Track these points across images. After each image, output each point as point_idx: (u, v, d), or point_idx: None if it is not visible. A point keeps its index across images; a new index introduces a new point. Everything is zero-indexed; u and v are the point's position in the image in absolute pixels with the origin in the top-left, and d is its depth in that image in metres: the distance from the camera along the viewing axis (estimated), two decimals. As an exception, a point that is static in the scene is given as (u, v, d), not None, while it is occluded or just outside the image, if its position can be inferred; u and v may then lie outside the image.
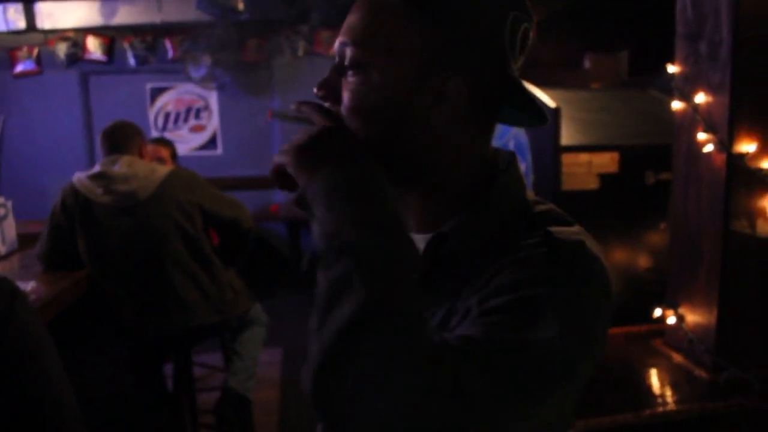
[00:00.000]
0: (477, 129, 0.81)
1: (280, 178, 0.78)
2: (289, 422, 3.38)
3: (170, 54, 5.91)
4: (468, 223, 0.79)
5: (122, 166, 2.61)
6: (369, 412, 0.57)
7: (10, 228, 3.03)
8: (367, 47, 0.75)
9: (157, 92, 6.10)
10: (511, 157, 0.85)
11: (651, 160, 2.25)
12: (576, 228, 0.77)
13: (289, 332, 4.43)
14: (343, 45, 0.77)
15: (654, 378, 1.87)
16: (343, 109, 0.77)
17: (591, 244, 0.74)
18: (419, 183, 0.82)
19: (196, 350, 3.00)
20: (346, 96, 0.77)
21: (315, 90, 0.81)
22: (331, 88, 0.79)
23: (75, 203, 2.61)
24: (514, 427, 0.63)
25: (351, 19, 0.77)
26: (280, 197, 6.17)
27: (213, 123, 6.15)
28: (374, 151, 0.76)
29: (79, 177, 2.65)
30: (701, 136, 1.82)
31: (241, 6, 5.26)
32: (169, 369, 3.01)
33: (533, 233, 0.74)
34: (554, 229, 0.74)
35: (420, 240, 0.83)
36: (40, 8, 5.23)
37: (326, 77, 0.80)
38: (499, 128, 2.56)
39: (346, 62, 0.76)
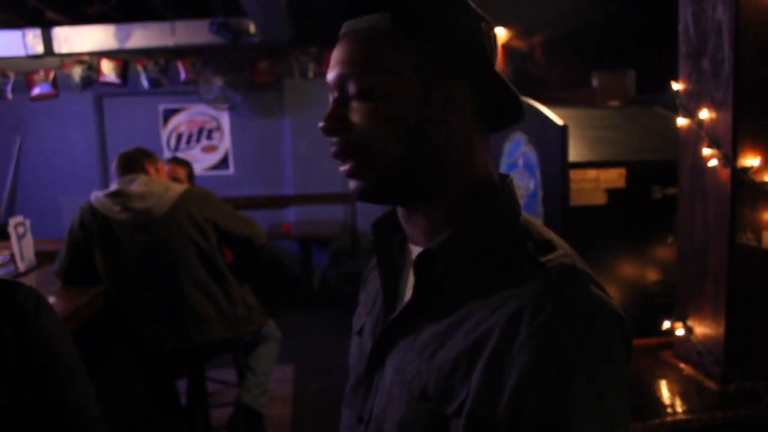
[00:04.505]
0: (480, 137, 0.86)
1: None
2: (301, 438, 3.40)
3: (183, 76, 6.02)
4: (458, 240, 0.82)
5: (139, 184, 2.67)
6: None
7: (29, 246, 3.10)
8: (371, 75, 0.80)
9: (169, 113, 6.21)
10: (507, 178, 0.89)
11: (657, 176, 2.28)
12: (560, 252, 0.80)
13: (300, 349, 4.48)
14: (343, 77, 0.82)
15: (663, 389, 1.89)
16: (360, 135, 0.82)
17: (583, 270, 0.79)
18: (429, 197, 0.85)
19: (209, 365, 3.04)
20: (361, 123, 0.82)
21: (322, 125, 0.84)
22: (342, 121, 0.83)
23: (93, 221, 2.67)
24: None
25: (344, 52, 0.83)
26: (291, 216, 6.23)
27: (225, 143, 6.23)
28: (398, 168, 0.82)
29: (97, 195, 2.72)
30: (706, 151, 1.86)
31: (252, 29, 5.36)
32: (182, 385, 3.05)
33: (523, 259, 0.79)
34: (548, 260, 0.77)
35: (417, 252, 0.86)
36: (57, 33, 5.34)
37: (332, 112, 0.84)
38: (508, 147, 2.61)
39: (353, 92, 0.82)
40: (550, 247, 0.81)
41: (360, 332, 0.99)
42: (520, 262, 0.78)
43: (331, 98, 0.86)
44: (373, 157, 0.82)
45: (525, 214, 0.87)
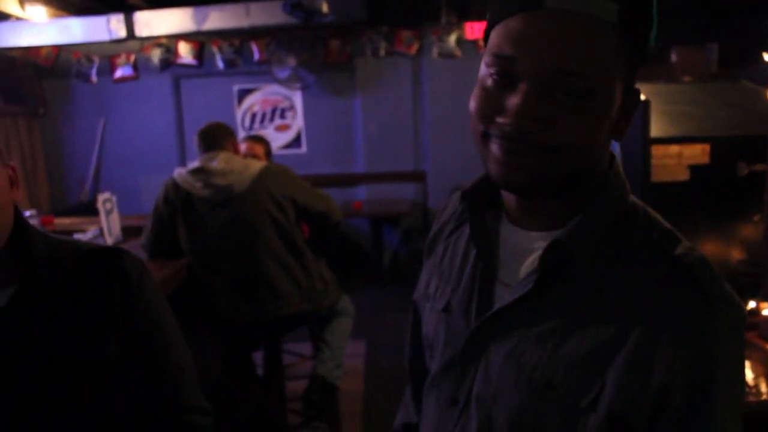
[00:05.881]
0: None
1: None
2: (373, 411, 3.46)
3: (257, 56, 6.13)
4: (586, 227, 0.79)
5: (220, 162, 2.76)
6: None
7: (115, 221, 3.24)
8: (595, 74, 0.71)
9: (244, 93, 6.34)
10: (614, 159, 0.85)
11: (743, 152, 2.20)
12: (687, 244, 0.79)
13: (371, 326, 4.55)
14: (562, 70, 0.71)
15: (748, 370, 1.85)
16: (559, 137, 0.73)
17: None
18: (570, 187, 0.81)
19: (285, 338, 3.12)
20: (568, 124, 0.72)
21: (515, 120, 0.72)
22: (541, 121, 0.72)
23: (177, 196, 2.77)
24: None
25: (561, 37, 0.71)
26: (362, 194, 6.29)
27: (297, 122, 6.33)
28: (580, 172, 0.77)
29: (180, 172, 2.81)
30: (799, 125, 1.79)
31: (325, 9, 5.40)
32: (258, 357, 3.14)
33: (653, 251, 0.78)
34: (682, 254, 0.76)
35: (536, 238, 0.84)
36: (138, 18, 5.51)
37: (531, 108, 0.72)
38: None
39: (568, 88, 0.71)
40: (674, 237, 0.80)
41: (446, 309, 0.93)
42: (652, 254, 0.78)
43: (487, 72, 0.77)
44: (564, 159, 0.74)
45: (632, 196, 0.85)
